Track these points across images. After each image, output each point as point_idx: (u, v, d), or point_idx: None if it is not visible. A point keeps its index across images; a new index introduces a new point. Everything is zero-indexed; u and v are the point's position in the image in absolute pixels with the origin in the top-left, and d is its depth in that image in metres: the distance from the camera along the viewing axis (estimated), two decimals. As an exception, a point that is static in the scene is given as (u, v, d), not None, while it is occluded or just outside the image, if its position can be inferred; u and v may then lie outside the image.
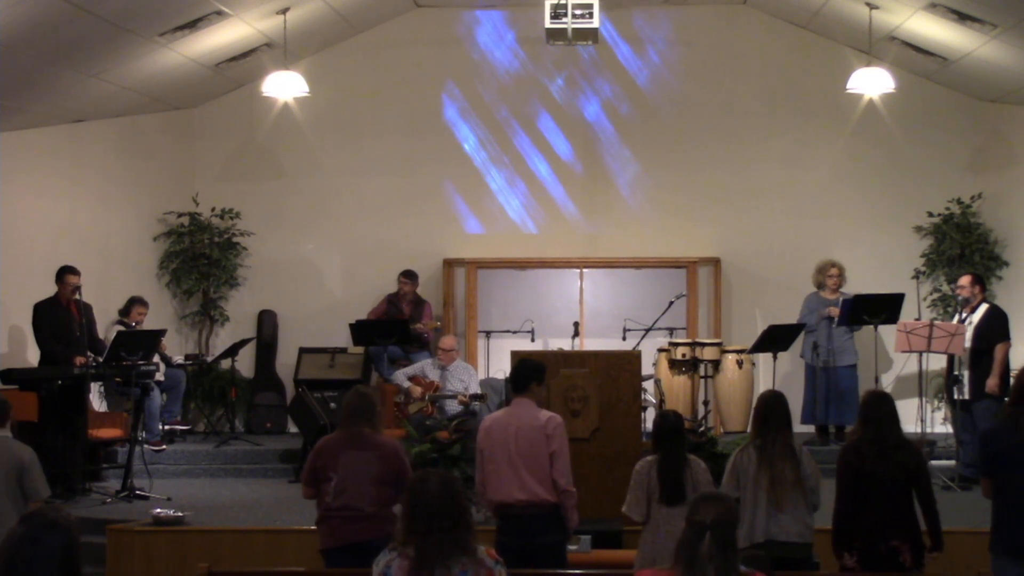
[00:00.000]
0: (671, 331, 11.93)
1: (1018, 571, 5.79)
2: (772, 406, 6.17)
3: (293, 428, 11.65)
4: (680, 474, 6.11)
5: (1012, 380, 9.74)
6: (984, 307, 9.76)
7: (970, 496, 8.67)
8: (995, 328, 9.60)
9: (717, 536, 3.64)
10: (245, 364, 12.15)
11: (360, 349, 11.79)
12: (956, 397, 9.78)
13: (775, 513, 5.91)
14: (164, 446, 10.75)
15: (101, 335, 10.44)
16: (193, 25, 9.84)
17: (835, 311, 10.80)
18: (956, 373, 9.79)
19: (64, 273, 9.87)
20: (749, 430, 6.43)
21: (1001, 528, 5.86)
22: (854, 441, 5.95)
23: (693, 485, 6.08)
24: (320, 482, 6.16)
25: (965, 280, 9.95)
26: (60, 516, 3.47)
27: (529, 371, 6.37)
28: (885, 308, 10.41)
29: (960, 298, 10.04)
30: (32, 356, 10.14)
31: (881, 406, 5.95)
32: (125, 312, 11.03)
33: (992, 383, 9.45)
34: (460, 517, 3.91)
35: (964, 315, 9.86)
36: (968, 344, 9.63)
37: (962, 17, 9.78)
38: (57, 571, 3.36)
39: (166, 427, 11.07)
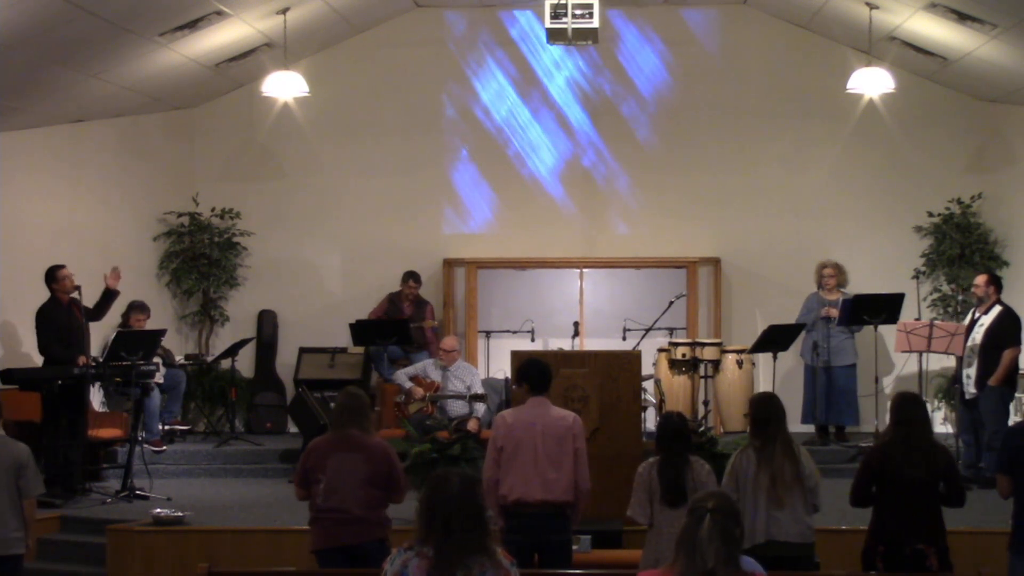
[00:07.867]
0: (671, 331, 11.92)
1: None
2: (768, 407, 6.16)
3: (293, 428, 11.65)
4: (681, 475, 6.10)
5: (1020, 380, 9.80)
6: (998, 308, 9.71)
7: (970, 496, 8.62)
8: (1007, 330, 9.57)
9: (717, 520, 3.60)
10: (245, 364, 12.15)
11: (360, 349, 11.79)
12: (964, 397, 9.77)
13: (775, 513, 5.90)
14: (164, 446, 10.75)
15: (101, 340, 10.44)
16: (193, 25, 9.85)
17: (832, 311, 10.81)
18: (961, 374, 9.78)
19: (55, 271, 9.72)
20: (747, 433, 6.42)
21: (1021, 528, 5.83)
22: (882, 443, 5.95)
23: (695, 486, 6.05)
24: (311, 484, 6.22)
25: (981, 279, 9.93)
26: None
27: (549, 372, 6.53)
28: (885, 308, 10.41)
29: (975, 298, 10.03)
30: (32, 355, 10.13)
31: (912, 408, 5.96)
32: (124, 318, 10.93)
33: (993, 383, 9.44)
34: (480, 517, 3.85)
35: (977, 314, 9.84)
36: (979, 340, 9.61)
37: (962, 17, 9.78)
38: None
39: (166, 427, 11.07)
